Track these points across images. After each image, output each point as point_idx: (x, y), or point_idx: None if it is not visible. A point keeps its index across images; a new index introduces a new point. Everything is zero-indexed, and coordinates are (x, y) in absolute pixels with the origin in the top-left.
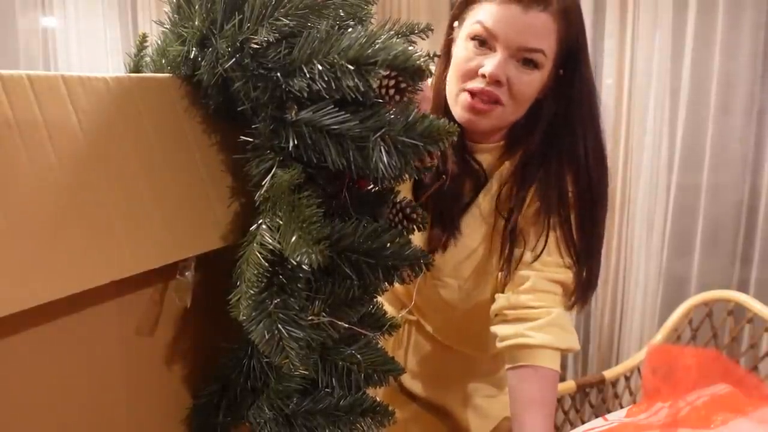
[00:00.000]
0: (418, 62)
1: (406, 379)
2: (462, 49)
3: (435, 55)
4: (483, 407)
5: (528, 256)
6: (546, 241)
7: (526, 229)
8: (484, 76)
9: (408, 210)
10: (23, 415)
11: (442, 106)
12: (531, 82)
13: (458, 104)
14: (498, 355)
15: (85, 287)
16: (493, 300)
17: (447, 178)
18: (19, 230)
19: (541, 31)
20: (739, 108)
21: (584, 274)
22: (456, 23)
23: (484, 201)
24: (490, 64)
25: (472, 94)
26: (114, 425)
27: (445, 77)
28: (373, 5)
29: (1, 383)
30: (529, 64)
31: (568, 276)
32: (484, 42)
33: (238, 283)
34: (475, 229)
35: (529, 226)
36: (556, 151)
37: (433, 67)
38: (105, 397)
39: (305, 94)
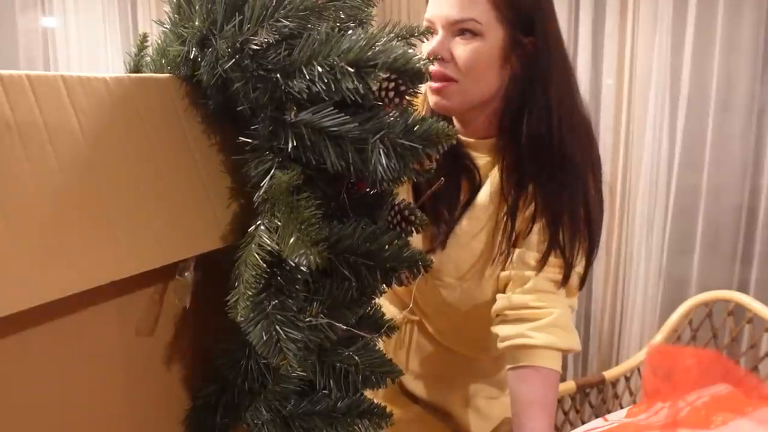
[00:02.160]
0: (417, 65)
1: (407, 380)
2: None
3: (435, 58)
4: (484, 408)
5: (529, 256)
6: (548, 243)
7: (525, 229)
8: (429, 56)
9: (406, 212)
10: (23, 415)
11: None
12: (473, 51)
13: (427, 93)
14: (500, 356)
15: (85, 287)
16: (494, 301)
17: (443, 180)
18: (19, 231)
19: (465, 0)
20: (739, 107)
21: (580, 271)
22: None
23: (482, 200)
24: (430, 44)
25: (431, 78)
26: (113, 425)
27: None
28: (373, 7)
29: (1, 383)
30: (466, 33)
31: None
32: (430, 32)
33: (236, 284)
34: (473, 228)
35: (528, 225)
36: (543, 142)
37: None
38: (104, 397)
39: (305, 96)
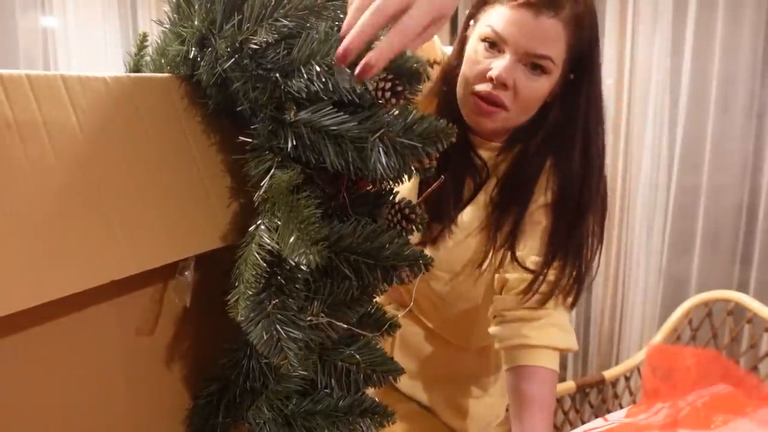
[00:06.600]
0: (414, 65)
1: None
2: (472, 50)
3: (434, 62)
4: (468, 408)
5: (528, 259)
6: (554, 246)
7: (525, 231)
8: (491, 79)
9: (407, 210)
10: (23, 415)
11: (451, 96)
12: (538, 89)
13: (466, 106)
14: (483, 355)
15: (85, 287)
16: (484, 300)
17: (444, 179)
18: (19, 230)
19: (549, 37)
20: (739, 107)
21: (570, 276)
22: (472, 22)
23: (483, 198)
24: (497, 67)
25: (479, 97)
26: (114, 425)
27: (457, 73)
28: None
29: (1, 383)
30: (537, 69)
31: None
32: (493, 44)
33: (236, 284)
34: (470, 225)
35: (528, 227)
36: (552, 154)
37: (431, 72)
38: (105, 396)
39: (304, 95)
